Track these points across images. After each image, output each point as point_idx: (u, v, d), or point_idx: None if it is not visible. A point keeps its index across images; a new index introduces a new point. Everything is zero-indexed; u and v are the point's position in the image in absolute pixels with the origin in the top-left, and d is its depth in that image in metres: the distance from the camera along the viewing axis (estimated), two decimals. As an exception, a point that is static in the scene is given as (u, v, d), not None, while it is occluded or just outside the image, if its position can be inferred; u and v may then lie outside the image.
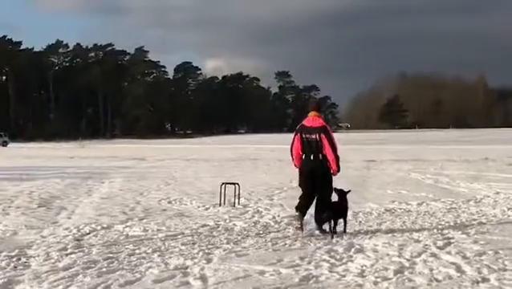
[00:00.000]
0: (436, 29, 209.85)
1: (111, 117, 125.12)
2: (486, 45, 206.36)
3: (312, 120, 11.02)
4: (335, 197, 10.97)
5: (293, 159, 11.18)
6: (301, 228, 10.66)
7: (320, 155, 10.73)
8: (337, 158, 10.73)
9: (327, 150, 10.69)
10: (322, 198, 10.85)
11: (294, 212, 11.33)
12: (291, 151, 11.13)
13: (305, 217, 10.86)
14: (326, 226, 10.70)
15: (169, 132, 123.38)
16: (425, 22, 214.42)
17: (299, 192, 16.43)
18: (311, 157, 10.81)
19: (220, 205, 14.44)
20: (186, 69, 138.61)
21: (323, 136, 10.73)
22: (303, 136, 10.90)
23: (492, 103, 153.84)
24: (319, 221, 10.75)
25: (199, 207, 14.39)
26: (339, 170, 10.80)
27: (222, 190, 14.69)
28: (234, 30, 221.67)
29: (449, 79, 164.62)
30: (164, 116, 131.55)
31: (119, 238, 10.35)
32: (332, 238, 10.21)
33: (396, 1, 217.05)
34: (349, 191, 11.13)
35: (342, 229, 10.72)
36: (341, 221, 10.75)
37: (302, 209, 10.84)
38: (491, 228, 11.08)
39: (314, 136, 10.76)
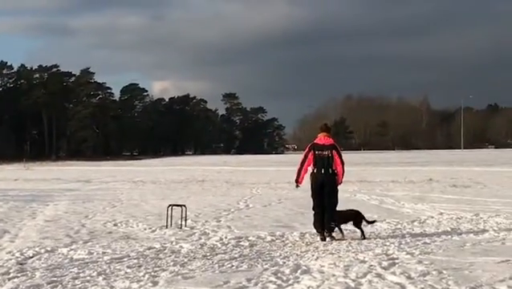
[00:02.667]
0: (381, 52, 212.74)
1: (56, 139, 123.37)
2: (428, 68, 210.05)
3: (324, 138, 12.65)
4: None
5: (298, 175, 12.66)
6: (323, 239, 12.26)
7: (330, 169, 12.40)
8: (344, 172, 12.54)
9: (338, 165, 12.42)
10: (330, 207, 12.41)
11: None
12: (301, 166, 12.63)
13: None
14: (334, 234, 12.45)
15: (116, 154, 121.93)
16: (370, 45, 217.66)
17: (246, 214, 16.56)
18: (322, 171, 12.41)
19: (166, 227, 14.37)
20: (132, 90, 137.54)
21: (334, 152, 12.46)
22: (316, 152, 12.48)
23: (435, 124, 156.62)
24: (329, 229, 12.38)
25: (145, 229, 14.30)
26: (341, 182, 12.64)
27: (169, 212, 14.61)
28: (181, 51, 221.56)
29: (394, 101, 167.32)
30: (111, 137, 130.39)
31: (64, 262, 10.21)
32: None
33: (341, 25, 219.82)
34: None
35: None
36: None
37: (318, 228, 12.45)
38: (435, 248, 11.25)
39: (325, 153, 12.42)
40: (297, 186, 12.85)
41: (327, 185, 12.45)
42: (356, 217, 12.95)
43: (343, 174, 12.53)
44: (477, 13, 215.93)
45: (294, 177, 12.82)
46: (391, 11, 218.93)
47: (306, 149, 12.77)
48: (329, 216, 12.44)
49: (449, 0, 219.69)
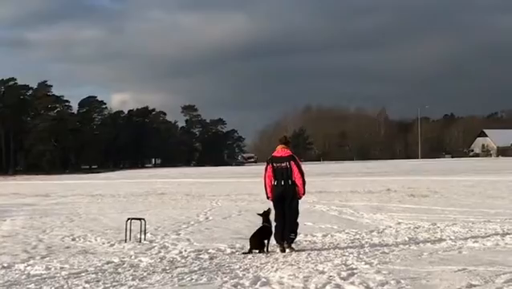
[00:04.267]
0: (339, 64, 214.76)
1: (13, 153, 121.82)
2: (386, 79, 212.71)
3: (281, 150, 12.71)
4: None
5: (266, 191, 12.75)
6: (283, 250, 12.31)
7: (290, 181, 12.44)
8: (304, 183, 12.52)
9: (296, 175, 12.42)
10: (289, 219, 12.45)
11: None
12: (265, 181, 12.72)
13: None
14: (294, 245, 12.52)
15: (75, 168, 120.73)
16: (329, 57, 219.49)
17: (206, 226, 16.52)
18: (282, 183, 12.46)
19: (125, 241, 14.27)
20: (91, 103, 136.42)
21: (292, 163, 12.47)
22: (274, 165, 12.55)
23: (393, 135, 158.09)
24: (289, 240, 12.43)
25: (104, 244, 14.19)
26: (304, 193, 12.63)
27: (128, 226, 14.52)
28: (140, 64, 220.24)
29: (352, 112, 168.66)
30: (69, 151, 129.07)
31: (21, 278, 10.08)
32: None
33: (300, 37, 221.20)
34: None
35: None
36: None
37: (278, 239, 12.47)
38: (393, 258, 11.35)
39: (284, 164, 12.46)
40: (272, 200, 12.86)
41: (288, 197, 12.52)
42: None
43: (304, 185, 12.55)
44: (434, 25, 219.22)
45: (265, 195, 12.98)
46: (349, 24, 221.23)
47: (266, 164, 12.92)
48: (289, 227, 12.50)
49: (406, 12, 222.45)
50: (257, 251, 12.33)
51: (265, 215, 12.69)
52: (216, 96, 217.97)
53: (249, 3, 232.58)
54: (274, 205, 12.70)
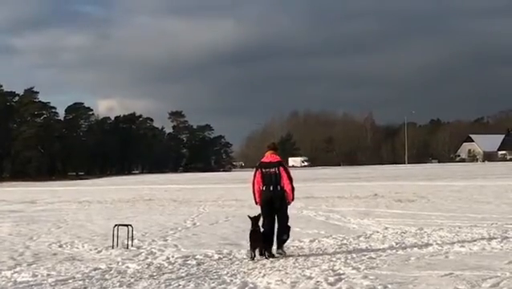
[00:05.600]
0: (326, 69, 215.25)
1: (0, 159, 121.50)
2: (373, 84, 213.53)
3: (270, 156, 12.85)
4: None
5: (254, 196, 12.84)
6: (271, 255, 12.34)
7: (278, 186, 12.56)
8: (293, 188, 12.61)
9: (285, 181, 12.53)
10: (280, 223, 12.58)
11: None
12: (253, 186, 12.81)
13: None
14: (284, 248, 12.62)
15: (61, 174, 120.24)
16: (316, 62, 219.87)
17: (193, 232, 16.52)
18: (270, 188, 12.56)
19: (113, 247, 14.24)
20: (77, 110, 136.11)
21: (281, 168, 12.62)
22: (263, 170, 12.67)
23: (380, 140, 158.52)
24: (281, 241, 12.60)
25: (91, 250, 14.15)
26: (293, 199, 12.73)
27: (115, 232, 14.49)
28: (127, 70, 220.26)
29: (339, 117, 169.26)
30: (56, 157, 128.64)
31: (7, 285, 10.06)
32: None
33: (288, 42, 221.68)
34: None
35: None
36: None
37: (266, 247, 12.39)
38: (380, 263, 11.38)
39: (273, 170, 12.58)
40: (260, 205, 12.90)
41: (277, 201, 12.59)
42: None
43: (292, 191, 12.63)
44: (421, 30, 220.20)
45: (253, 200, 13.03)
46: (337, 29, 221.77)
47: (255, 169, 13.03)
48: (281, 229, 12.59)
49: (393, 18, 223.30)
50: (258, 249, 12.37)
51: (255, 220, 12.62)
52: (203, 102, 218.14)
53: (236, 9, 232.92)
54: (262, 211, 12.73)
